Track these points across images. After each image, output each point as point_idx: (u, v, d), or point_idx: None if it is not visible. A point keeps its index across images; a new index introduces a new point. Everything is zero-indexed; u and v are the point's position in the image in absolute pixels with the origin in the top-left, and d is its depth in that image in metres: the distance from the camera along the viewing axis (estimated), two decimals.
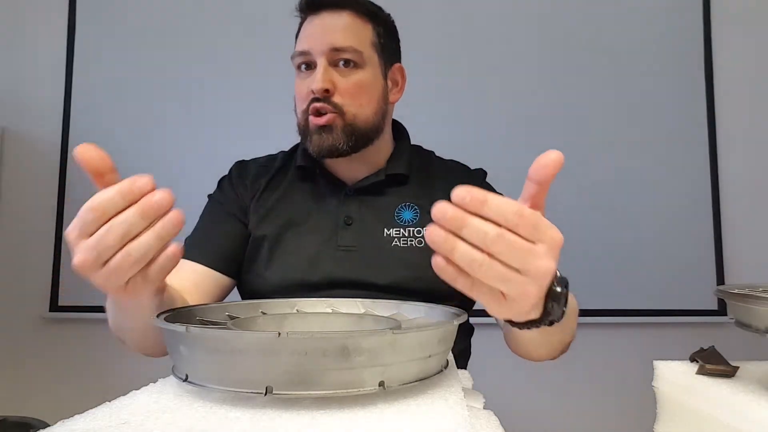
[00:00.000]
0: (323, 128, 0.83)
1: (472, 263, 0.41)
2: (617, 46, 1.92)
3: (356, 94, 0.84)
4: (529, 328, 0.52)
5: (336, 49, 0.83)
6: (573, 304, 0.73)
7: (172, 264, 0.47)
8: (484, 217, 0.41)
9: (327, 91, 0.82)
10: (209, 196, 0.96)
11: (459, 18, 1.93)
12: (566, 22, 1.93)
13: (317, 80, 0.82)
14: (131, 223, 0.44)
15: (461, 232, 0.41)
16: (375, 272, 0.84)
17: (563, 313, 0.52)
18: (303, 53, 0.85)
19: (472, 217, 0.41)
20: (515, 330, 0.56)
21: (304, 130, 0.86)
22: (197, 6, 1.95)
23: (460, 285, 0.43)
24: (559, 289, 0.50)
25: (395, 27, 0.93)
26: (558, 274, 0.50)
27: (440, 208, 0.41)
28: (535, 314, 0.50)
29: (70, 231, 0.45)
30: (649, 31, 1.93)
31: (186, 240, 0.92)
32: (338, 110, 0.83)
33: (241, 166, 0.97)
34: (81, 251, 0.45)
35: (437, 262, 0.43)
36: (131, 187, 0.44)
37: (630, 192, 1.87)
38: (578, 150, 1.88)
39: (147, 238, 0.44)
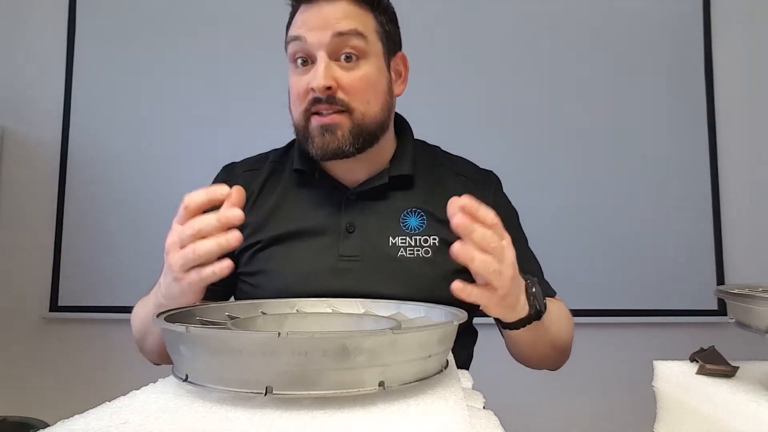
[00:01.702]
0: (327, 128, 0.77)
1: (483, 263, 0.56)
2: (617, 46, 1.92)
3: (362, 90, 0.77)
4: (524, 326, 0.67)
5: (339, 34, 0.75)
6: (560, 309, 0.81)
7: (223, 273, 0.58)
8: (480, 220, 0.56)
9: (329, 88, 0.75)
10: None
11: (458, 17, 1.93)
12: (566, 21, 1.93)
13: (318, 77, 0.74)
14: (207, 223, 0.57)
15: (471, 235, 0.56)
16: (378, 286, 0.79)
17: (545, 305, 0.68)
18: (298, 38, 0.77)
19: (476, 225, 0.56)
20: (514, 335, 0.70)
21: (303, 131, 0.79)
22: (197, 6, 1.95)
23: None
24: (534, 289, 0.67)
25: (395, 14, 0.86)
26: (525, 278, 0.66)
27: (456, 223, 0.55)
28: (523, 312, 0.65)
29: (176, 219, 0.59)
30: (649, 32, 1.93)
31: None
32: (345, 107, 0.76)
33: (227, 172, 0.92)
34: (171, 234, 0.59)
35: (457, 251, 0.56)
36: (216, 192, 0.58)
37: (630, 192, 1.87)
38: (578, 150, 1.88)
39: (210, 243, 0.56)
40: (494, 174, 0.94)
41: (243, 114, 1.90)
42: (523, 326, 0.67)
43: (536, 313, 0.67)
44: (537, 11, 1.93)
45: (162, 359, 0.81)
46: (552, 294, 0.86)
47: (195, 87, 1.92)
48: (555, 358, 0.81)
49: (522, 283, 0.65)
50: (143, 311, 0.77)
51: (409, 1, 1.89)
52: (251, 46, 1.91)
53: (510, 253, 0.59)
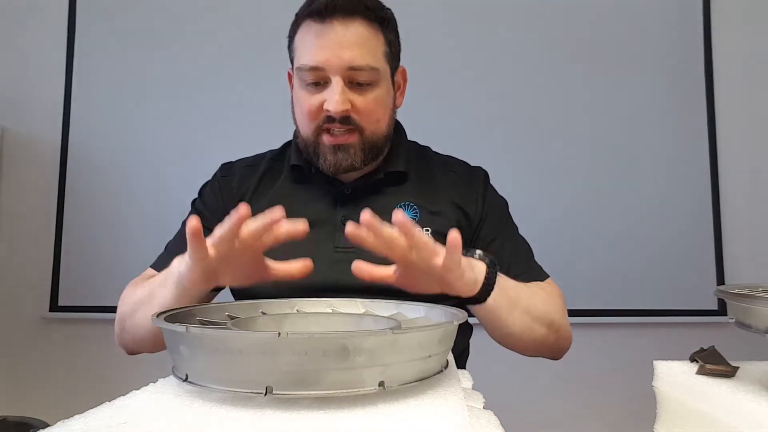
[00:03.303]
0: (340, 147, 0.81)
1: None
2: (617, 46, 1.92)
3: (373, 112, 0.82)
4: (481, 302, 0.70)
5: (353, 68, 0.79)
6: (533, 286, 0.82)
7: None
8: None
9: (346, 111, 0.80)
10: (192, 202, 0.94)
11: (457, 17, 1.93)
12: (566, 21, 1.93)
13: (337, 102, 0.78)
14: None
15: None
16: None
17: (496, 276, 0.70)
18: (315, 69, 0.79)
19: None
20: (487, 308, 0.71)
21: (314, 146, 0.84)
22: (197, 6, 1.95)
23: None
24: (479, 254, 0.71)
25: (397, 25, 0.88)
26: (486, 259, 0.70)
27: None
28: (475, 288, 0.68)
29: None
30: (649, 32, 1.93)
31: (167, 246, 0.90)
32: (357, 127, 0.81)
33: (225, 169, 0.95)
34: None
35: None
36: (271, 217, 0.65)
37: (630, 192, 1.87)
38: (578, 150, 1.88)
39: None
40: (482, 169, 0.97)
41: (242, 114, 1.90)
42: (481, 301, 0.69)
43: (491, 262, 0.70)
44: (536, 11, 1.93)
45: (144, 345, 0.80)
46: (543, 277, 0.88)
47: (195, 87, 1.92)
48: (544, 335, 0.79)
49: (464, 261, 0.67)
50: (145, 292, 0.77)
51: (410, 3, 1.89)
52: (251, 46, 1.91)
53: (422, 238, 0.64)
